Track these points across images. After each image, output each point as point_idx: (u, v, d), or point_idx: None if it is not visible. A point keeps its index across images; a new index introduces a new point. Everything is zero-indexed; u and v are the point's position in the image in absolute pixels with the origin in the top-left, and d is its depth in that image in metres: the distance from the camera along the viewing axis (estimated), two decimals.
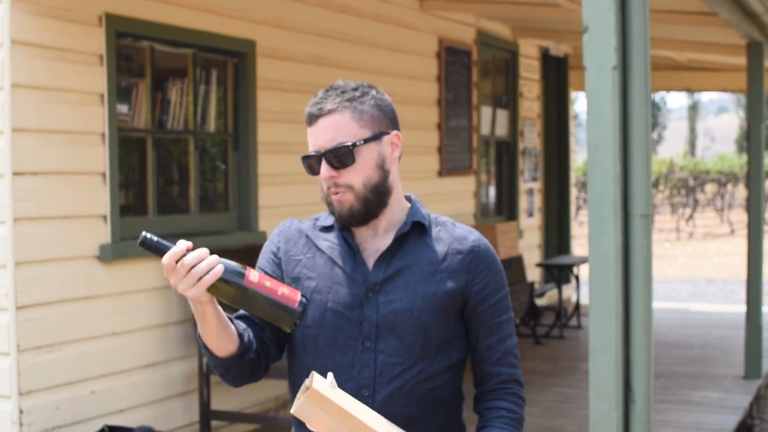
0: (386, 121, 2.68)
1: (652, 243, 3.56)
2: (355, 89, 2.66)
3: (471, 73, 10.77)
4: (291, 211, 7.61)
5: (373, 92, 2.69)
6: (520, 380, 2.78)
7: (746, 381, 8.59)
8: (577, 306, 11.67)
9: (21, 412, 5.59)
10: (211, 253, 2.44)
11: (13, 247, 5.56)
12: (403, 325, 2.64)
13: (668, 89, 15.55)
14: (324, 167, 2.61)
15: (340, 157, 2.60)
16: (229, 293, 2.43)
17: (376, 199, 2.65)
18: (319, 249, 2.73)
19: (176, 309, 6.66)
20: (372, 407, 2.59)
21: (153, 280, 6.48)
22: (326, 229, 2.76)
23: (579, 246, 18.93)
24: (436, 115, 10.09)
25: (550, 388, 8.42)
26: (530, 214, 12.60)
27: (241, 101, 7.38)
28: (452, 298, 2.68)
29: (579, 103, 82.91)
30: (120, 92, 6.38)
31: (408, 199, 2.79)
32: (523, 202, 12.32)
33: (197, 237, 6.82)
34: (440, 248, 2.71)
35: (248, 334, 2.66)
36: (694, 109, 74.89)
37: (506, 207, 12.05)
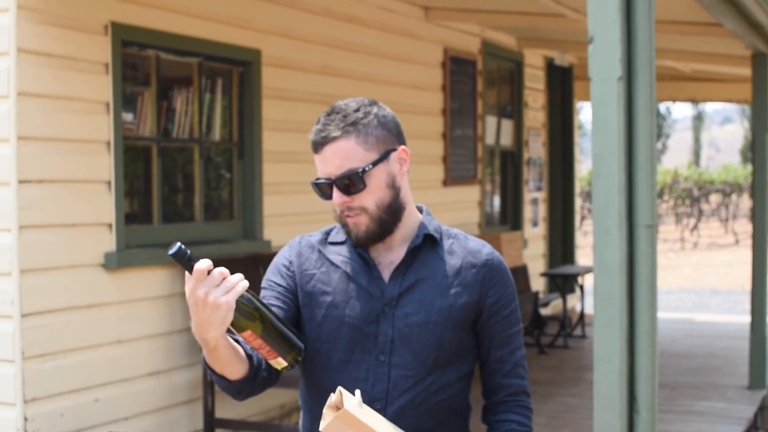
0: (391, 137, 2.68)
1: (656, 253, 3.57)
2: (357, 110, 2.64)
3: (476, 83, 10.78)
4: (296, 219, 7.62)
5: (375, 110, 2.67)
6: (528, 391, 2.80)
7: (751, 391, 8.57)
8: (582, 316, 11.66)
9: (25, 419, 5.59)
10: (218, 263, 2.44)
11: (18, 254, 5.57)
12: (418, 339, 2.64)
13: (673, 99, 15.55)
14: (336, 194, 2.61)
15: (351, 183, 2.60)
16: (249, 311, 2.41)
17: (390, 217, 2.66)
18: (333, 263, 2.72)
19: (180, 317, 6.67)
20: None
21: (157, 288, 6.48)
22: (338, 243, 2.75)
23: (583, 256, 18.92)
24: (440, 124, 10.10)
25: (554, 398, 8.42)
26: (535, 224, 12.60)
27: (246, 110, 7.39)
28: (467, 311, 2.69)
29: (584, 113, 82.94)
30: (125, 101, 6.39)
31: (419, 210, 2.79)
32: (527, 212, 12.32)
33: (202, 246, 6.83)
34: (454, 261, 2.72)
35: (256, 353, 2.62)
36: (698, 119, 74.84)
37: (511, 216, 12.05)
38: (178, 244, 2.35)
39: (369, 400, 2.62)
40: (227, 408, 6.87)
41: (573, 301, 13.27)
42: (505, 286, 2.75)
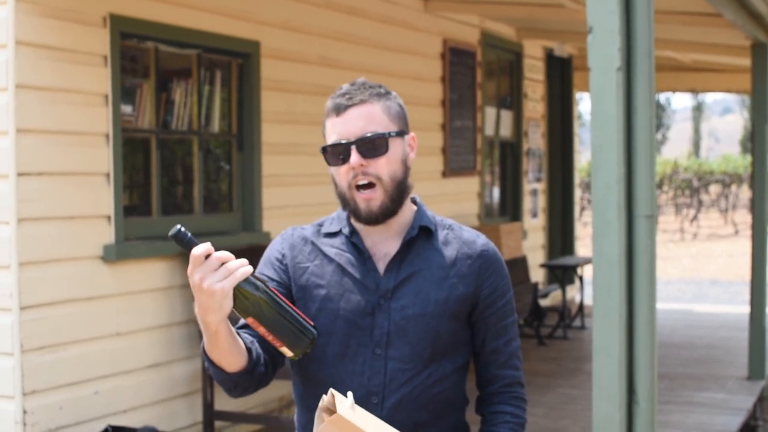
0: (406, 121, 2.70)
1: (656, 244, 3.56)
2: (380, 87, 2.67)
3: (475, 74, 10.77)
4: (295, 211, 7.61)
5: (395, 94, 2.70)
6: (523, 382, 2.78)
7: (750, 382, 8.58)
8: (581, 307, 11.67)
9: (24, 412, 5.59)
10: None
11: (17, 247, 5.56)
12: (414, 331, 2.62)
13: (673, 90, 15.55)
14: (355, 155, 2.57)
15: (374, 145, 2.59)
16: (253, 300, 2.35)
17: (398, 195, 2.64)
18: (326, 256, 2.69)
19: (180, 309, 6.67)
20: (381, 414, 2.57)
21: (157, 280, 6.48)
22: (331, 234, 2.73)
23: (583, 247, 18.92)
24: (440, 115, 10.09)
25: (553, 389, 8.42)
26: (534, 215, 12.60)
27: (245, 102, 7.38)
28: (463, 303, 2.67)
29: (583, 103, 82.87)
30: (124, 93, 6.38)
31: (413, 201, 2.77)
32: (527, 203, 12.32)
33: (201, 237, 6.81)
34: (449, 252, 2.70)
35: (255, 346, 2.60)
36: (698, 109, 74.82)
37: (510, 208, 12.04)
38: (179, 226, 2.32)
39: (366, 394, 2.60)
40: (227, 400, 6.87)
41: (572, 292, 13.28)
42: (501, 277, 2.73)
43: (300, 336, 2.39)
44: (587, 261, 11.55)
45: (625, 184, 3.48)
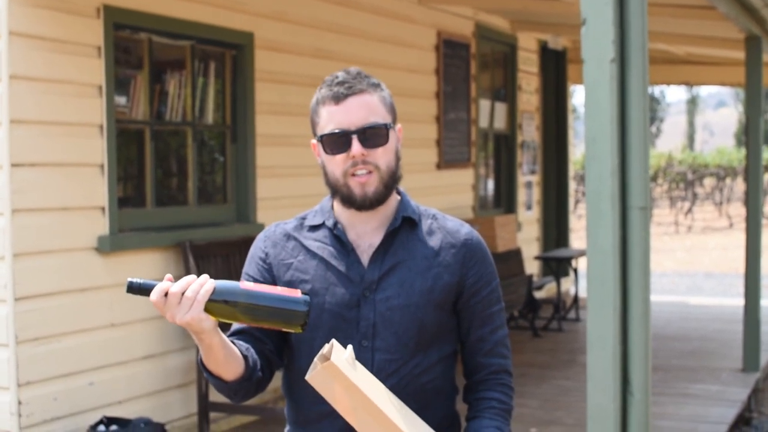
0: (395, 114, 2.72)
1: (650, 236, 3.57)
2: (372, 77, 2.68)
3: (469, 66, 10.76)
4: (289, 203, 7.61)
5: (384, 85, 2.72)
6: (510, 370, 2.77)
7: (744, 374, 8.59)
8: (576, 299, 11.67)
9: (19, 403, 5.59)
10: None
11: (12, 238, 5.56)
12: (400, 321, 2.62)
13: (667, 83, 15.55)
14: (356, 144, 2.58)
15: (376, 135, 2.61)
16: (229, 309, 2.38)
17: (391, 184, 2.65)
18: (309, 250, 2.69)
19: None
20: None
21: (151, 271, 6.48)
22: (314, 228, 2.73)
23: (577, 239, 18.93)
24: (434, 107, 10.09)
25: (548, 381, 8.43)
26: (529, 207, 12.61)
27: (239, 93, 7.37)
28: (448, 292, 2.67)
29: (577, 96, 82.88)
30: (118, 84, 6.38)
31: (397, 192, 2.76)
32: (521, 195, 12.33)
33: (195, 229, 6.83)
34: (433, 242, 2.70)
35: (251, 353, 2.62)
36: (692, 103, 74.84)
37: (505, 200, 12.05)
38: (129, 279, 2.35)
39: None
40: None
41: (567, 285, 13.29)
42: (485, 265, 2.73)
43: (290, 314, 2.40)
44: (581, 253, 11.56)
45: (619, 176, 3.48)
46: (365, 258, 2.67)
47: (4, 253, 5.57)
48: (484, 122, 11.35)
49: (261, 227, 7.36)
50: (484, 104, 11.37)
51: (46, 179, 5.77)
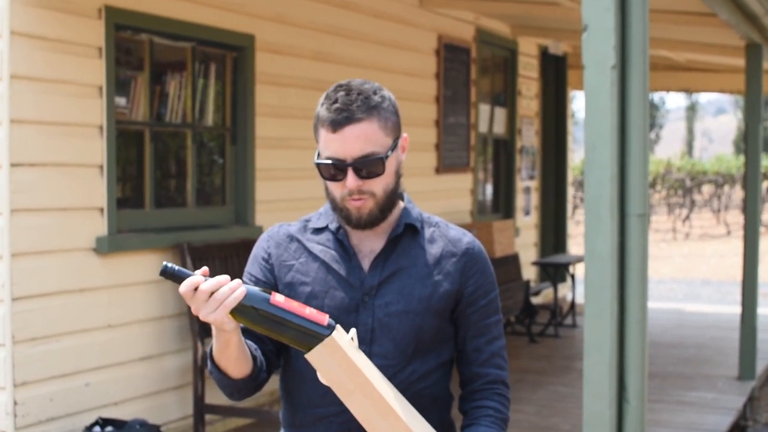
0: (399, 124, 2.65)
1: (648, 243, 3.57)
2: (375, 93, 2.59)
3: (470, 71, 10.77)
4: (288, 205, 7.61)
5: (387, 93, 2.63)
6: (507, 382, 2.75)
7: (740, 382, 8.59)
8: (573, 305, 11.67)
9: (15, 403, 5.59)
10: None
11: (10, 238, 5.56)
12: (398, 328, 2.62)
13: (667, 89, 15.56)
14: (351, 177, 2.54)
15: (372, 168, 2.55)
16: (254, 319, 2.36)
17: (390, 203, 2.63)
18: (311, 253, 2.69)
19: (172, 302, 6.66)
20: None
21: (149, 273, 6.48)
22: (318, 231, 2.72)
23: (575, 245, 18.93)
24: (434, 112, 10.09)
25: (544, 387, 8.43)
26: (527, 213, 12.61)
27: (239, 95, 7.37)
28: (447, 300, 2.66)
29: (577, 101, 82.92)
30: (118, 85, 6.38)
31: (401, 197, 2.74)
32: (519, 201, 12.33)
33: (194, 230, 6.83)
34: (434, 250, 2.69)
35: (259, 354, 2.62)
36: (692, 109, 74.92)
37: (503, 205, 12.05)
38: (164, 263, 2.34)
39: None
40: (217, 394, 6.87)
41: (564, 291, 13.28)
42: (485, 276, 2.72)
43: (313, 337, 2.38)
44: (579, 259, 11.56)
45: (618, 182, 3.48)
46: (366, 263, 2.67)
47: (2, 253, 5.56)
48: (483, 127, 11.35)
49: (259, 230, 7.37)
50: (484, 109, 11.37)
51: (45, 179, 5.77)
